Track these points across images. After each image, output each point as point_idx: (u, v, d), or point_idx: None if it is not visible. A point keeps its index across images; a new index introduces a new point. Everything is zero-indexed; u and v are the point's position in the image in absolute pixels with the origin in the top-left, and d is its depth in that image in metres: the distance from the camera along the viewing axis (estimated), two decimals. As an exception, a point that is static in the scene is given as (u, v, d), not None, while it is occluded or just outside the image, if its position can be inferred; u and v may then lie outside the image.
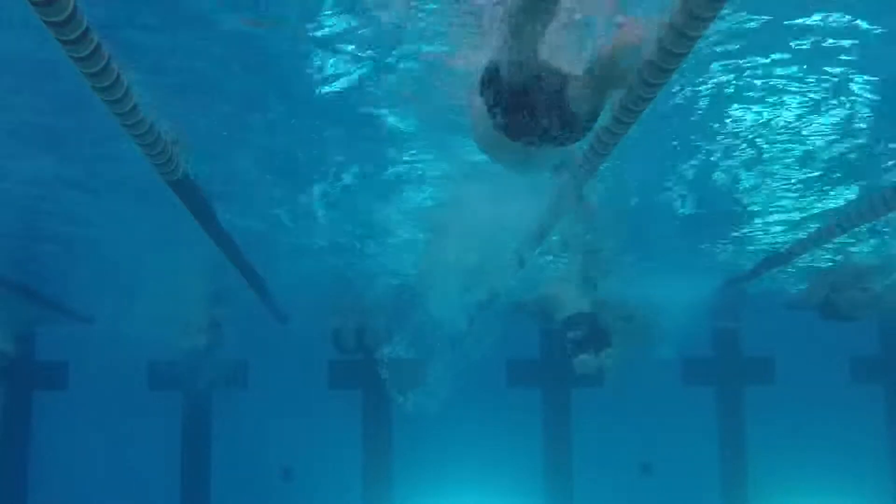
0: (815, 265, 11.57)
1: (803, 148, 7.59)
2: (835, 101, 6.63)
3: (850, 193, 8.68)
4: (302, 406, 14.35)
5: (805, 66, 6.07)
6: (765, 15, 5.35)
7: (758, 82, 6.29)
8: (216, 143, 7.14)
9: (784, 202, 9.08)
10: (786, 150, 7.65)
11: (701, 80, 6.18)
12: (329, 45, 5.71)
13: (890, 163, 7.89)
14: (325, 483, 14.39)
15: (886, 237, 10.46)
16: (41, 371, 14.66)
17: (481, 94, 4.54)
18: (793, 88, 6.41)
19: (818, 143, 7.44)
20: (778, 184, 8.53)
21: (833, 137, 7.31)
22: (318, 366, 14.46)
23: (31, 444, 14.52)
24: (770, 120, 6.97)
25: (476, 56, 4.95)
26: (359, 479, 14.59)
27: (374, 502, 14.54)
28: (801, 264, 11.45)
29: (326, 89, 6.26)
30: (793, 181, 8.44)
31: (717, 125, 7.06)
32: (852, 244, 10.59)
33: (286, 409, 14.33)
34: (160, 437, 14.39)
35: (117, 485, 14.01)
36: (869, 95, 6.51)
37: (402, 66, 5.95)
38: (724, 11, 4.59)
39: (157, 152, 5.34)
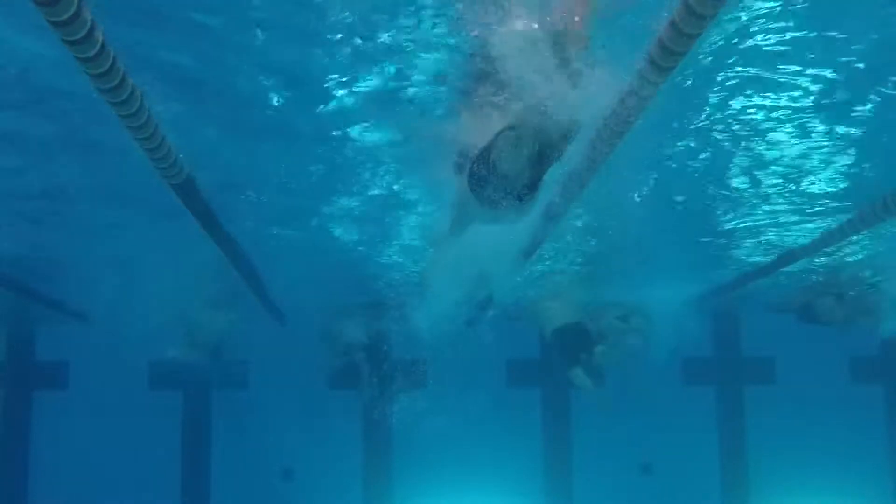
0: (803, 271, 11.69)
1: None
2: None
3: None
4: (302, 406, 14.32)
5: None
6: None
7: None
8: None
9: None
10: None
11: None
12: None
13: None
14: (325, 483, 14.37)
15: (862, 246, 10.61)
16: (41, 371, 14.65)
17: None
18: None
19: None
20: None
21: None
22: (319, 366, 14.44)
23: (31, 444, 14.51)
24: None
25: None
26: (359, 479, 14.58)
27: (374, 502, 14.53)
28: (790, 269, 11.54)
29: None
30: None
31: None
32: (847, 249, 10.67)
33: (286, 409, 14.30)
34: (160, 437, 14.37)
35: (117, 485, 13.98)
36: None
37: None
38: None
39: (162, 155, 5.33)
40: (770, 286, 12.41)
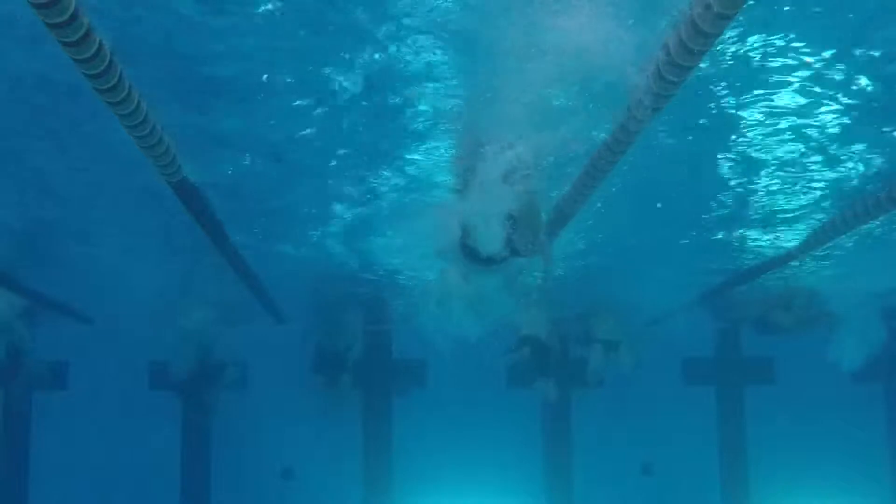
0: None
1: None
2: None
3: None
4: (302, 406, 14.30)
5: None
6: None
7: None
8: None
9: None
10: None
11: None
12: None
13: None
14: (325, 483, 14.36)
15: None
16: (41, 371, 14.65)
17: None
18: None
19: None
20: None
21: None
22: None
23: (31, 444, 14.51)
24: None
25: None
26: (359, 479, 14.57)
27: (374, 502, 14.52)
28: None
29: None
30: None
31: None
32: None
33: (286, 409, 14.30)
34: (160, 437, 14.36)
35: (117, 484, 13.99)
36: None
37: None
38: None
39: (160, 153, 5.33)
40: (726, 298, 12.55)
